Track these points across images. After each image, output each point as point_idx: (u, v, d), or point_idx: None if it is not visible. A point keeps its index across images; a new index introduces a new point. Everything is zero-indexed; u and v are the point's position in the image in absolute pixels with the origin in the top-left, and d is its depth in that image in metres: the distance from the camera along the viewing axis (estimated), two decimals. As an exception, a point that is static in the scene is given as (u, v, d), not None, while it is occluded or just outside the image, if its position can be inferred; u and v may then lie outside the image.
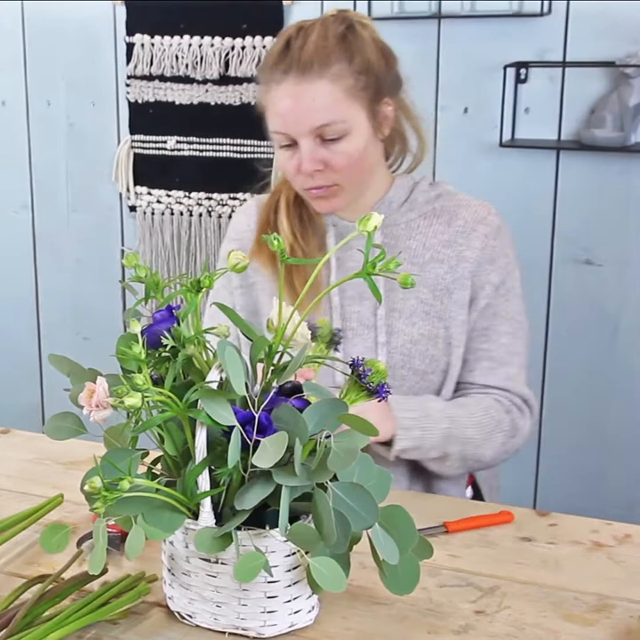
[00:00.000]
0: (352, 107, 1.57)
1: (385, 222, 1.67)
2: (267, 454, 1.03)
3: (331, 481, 1.07)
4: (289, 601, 1.15)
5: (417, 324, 1.65)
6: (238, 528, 1.09)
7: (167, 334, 1.11)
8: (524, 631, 1.18)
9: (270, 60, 1.60)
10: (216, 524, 1.12)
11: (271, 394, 1.11)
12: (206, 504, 1.11)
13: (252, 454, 1.06)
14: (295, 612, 1.16)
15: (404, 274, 1.09)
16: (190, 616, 1.18)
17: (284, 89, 1.57)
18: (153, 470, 1.19)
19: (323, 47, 1.55)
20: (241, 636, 1.15)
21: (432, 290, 1.65)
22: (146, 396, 1.06)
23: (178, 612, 1.19)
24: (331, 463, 1.05)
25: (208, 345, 1.16)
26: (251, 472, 1.09)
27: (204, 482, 1.10)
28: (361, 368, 1.14)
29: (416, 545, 1.14)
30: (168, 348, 1.11)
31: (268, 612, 1.14)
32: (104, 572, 1.23)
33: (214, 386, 1.10)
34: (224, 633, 1.16)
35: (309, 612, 1.18)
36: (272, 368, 1.15)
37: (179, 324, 1.12)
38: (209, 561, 1.13)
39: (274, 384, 1.14)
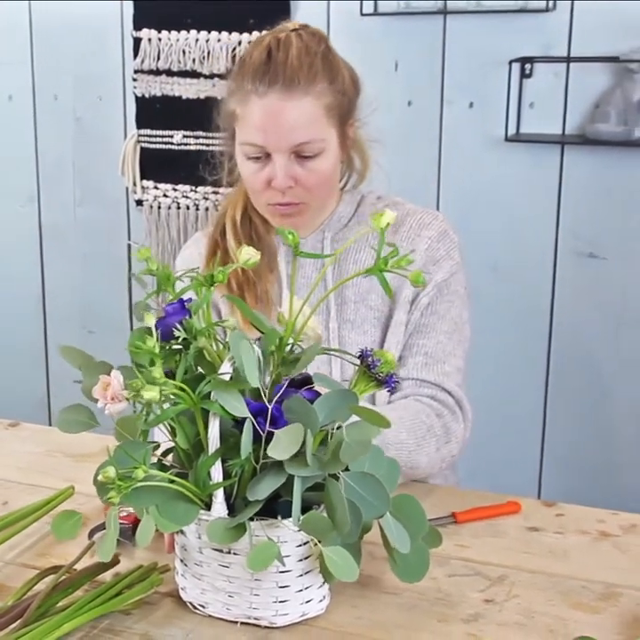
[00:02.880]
0: (329, 126, 1.57)
1: (335, 237, 1.69)
2: (281, 446, 1.05)
3: (342, 471, 1.08)
4: (301, 590, 1.16)
5: (368, 332, 1.65)
6: (251, 518, 1.10)
7: (179, 327, 1.12)
8: (533, 619, 1.19)
9: (250, 70, 1.55)
10: (228, 514, 1.13)
11: (283, 385, 1.13)
12: (219, 495, 1.12)
13: (264, 445, 1.07)
14: (307, 602, 1.17)
15: (416, 271, 1.11)
16: (203, 606, 1.19)
17: (267, 103, 1.53)
18: (162, 462, 1.20)
19: (309, 64, 1.53)
20: (253, 625, 1.17)
21: (382, 295, 1.65)
22: (163, 390, 1.07)
23: (190, 603, 1.20)
24: (343, 454, 1.06)
25: (218, 336, 1.18)
26: (262, 463, 1.10)
27: (216, 473, 1.12)
28: (370, 358, 1.16)
29: (426, 533, 1.16)
30: (180, 341, 1.13)
31: (280, 602, 1.15)
32: (116, 562, 1.25)
33: (227, 378, 1.11)
34: (236, 622, 1.17)
35: (321, 601, 1.19)
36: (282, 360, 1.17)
37: (190, 317, 1.14)
38: (221, 551, 1.14)
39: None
